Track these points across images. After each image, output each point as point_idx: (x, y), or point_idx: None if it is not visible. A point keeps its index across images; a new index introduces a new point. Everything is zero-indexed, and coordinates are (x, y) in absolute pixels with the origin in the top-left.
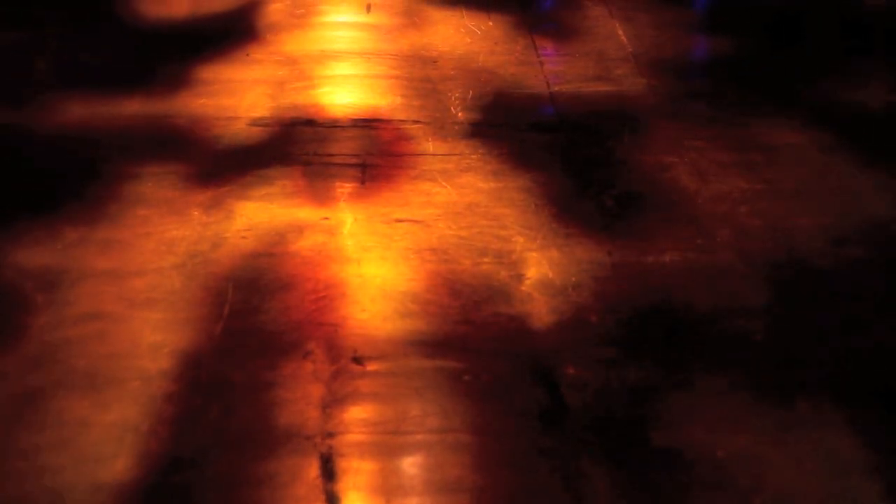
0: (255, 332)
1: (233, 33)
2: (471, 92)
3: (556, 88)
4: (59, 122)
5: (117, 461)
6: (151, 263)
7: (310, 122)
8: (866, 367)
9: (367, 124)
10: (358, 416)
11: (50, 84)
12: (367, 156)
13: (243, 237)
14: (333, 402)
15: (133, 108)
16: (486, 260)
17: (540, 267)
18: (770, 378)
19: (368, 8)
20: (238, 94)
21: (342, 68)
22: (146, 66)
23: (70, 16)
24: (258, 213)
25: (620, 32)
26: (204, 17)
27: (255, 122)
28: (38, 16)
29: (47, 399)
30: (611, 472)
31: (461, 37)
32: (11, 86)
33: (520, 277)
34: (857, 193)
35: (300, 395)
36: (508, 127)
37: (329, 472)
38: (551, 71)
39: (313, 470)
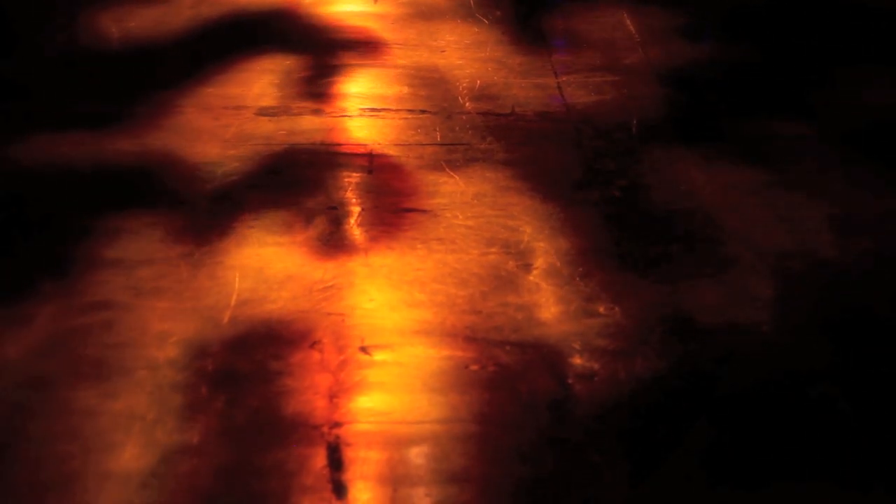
0: (262, 321)
1: (239, 25)
2: (478, 81)
3: (564, 78)
4: (68, 113)
5: (125, 450)
6: (159, 252)
7: (317, 112)
8: (877, 359)
9: (374, 114)
10: (365, 405)
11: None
12: (374, 145)
13: (250, 226)
14: (340, 391)
15: (140, 101)
16: (493, 250)
17: (547, 257)
18: (778, 369)
19: None
20: (245, 84)
21: (349, 58)
22: (149, 63)
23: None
24: (265, 203)
25: (628, 22)
26: (207, 15)
27: (262, 112)
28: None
29: (55, 388)
30: (618, 463)
31: (469, 26)
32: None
33: (527, 267)
34: (865, 186)
35: (307, 384)
36: (516, 117)
37: (336, 461)
38: (559, 60)
39: (320, 459)
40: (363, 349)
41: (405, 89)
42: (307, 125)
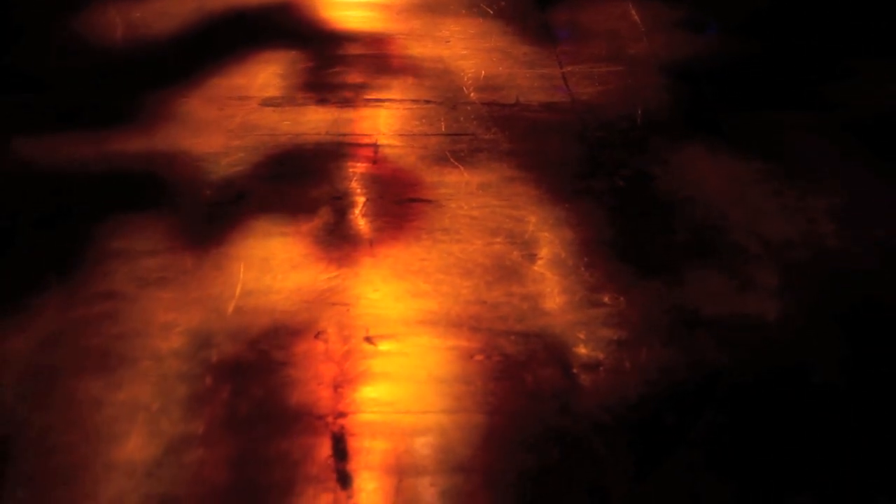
0: (266, 311)
1: (243, 16)
2: (483, 72)
3: (569, 68)
4: (73, 104)
5: (130, 440)
6: (163, 243)
7: (322, 102)
8: (882, 349)
9: (378, 104)
10: (370, 395)
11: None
12: (378, 135)
13: (255, 217)
14: (345, 381)
15: (144, 92)
16: (498, 240)
17: (552, 247)
18: (784, 360)
19: None
20: (250, 75)
21: (354, 48)
22: (154, 54)
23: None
24: (270, 193)
25: (633, 12)
26: (211, 6)
27: (266, 102)
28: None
29: (60, 378)
30: (623, 454)
31: (473, 17)
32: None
33: (532, 257)
34: (869, 176)
35: (312, 374)
36: (521, 107)
37: (341, 451)
38: (564, 50)
39: (325, 449)
40: (368, 339)
41: (410, 79)
42: (312, 115)
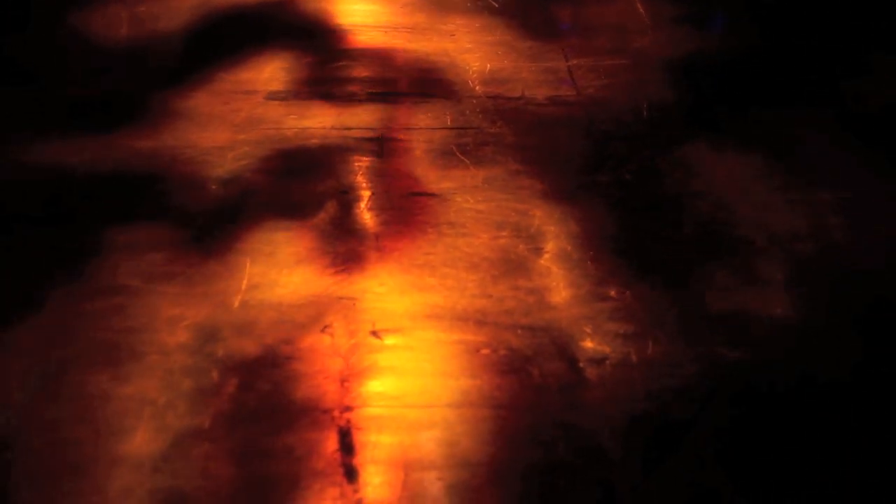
0: (272, 305)
1: (248, 10)
2: (488, 65)
3: (574, 62)
4: (78, 98)
5: (136, 434)
6: (169, 237)
7: (327, 96)
8: (890, 343)
9: (384, 98)
10: (376, 389)
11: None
12: (384, 129)
13: (261, 211)
14: (351, 375)
15: (149, 86)
16: (503, 233)
17: (558, 240)
18: (791, 353)
19: None
20: (255, 69)
21: (359, 42)
22: (159, 48)
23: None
24: (276, 187)
25: (638, 6)
26: (216, 5)
27: (272, 96)
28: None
29: (66, 372)
30: (631, 448)
31: (478, 10)
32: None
33: (538, 251)
34: (873, 171)
35: (318, 368)
36: (526, 100)
37: (347, 445)
38: (569, 44)
39: (332, 443)
40: (374, 333)
41: (415, 73)
42: (317, 109)
